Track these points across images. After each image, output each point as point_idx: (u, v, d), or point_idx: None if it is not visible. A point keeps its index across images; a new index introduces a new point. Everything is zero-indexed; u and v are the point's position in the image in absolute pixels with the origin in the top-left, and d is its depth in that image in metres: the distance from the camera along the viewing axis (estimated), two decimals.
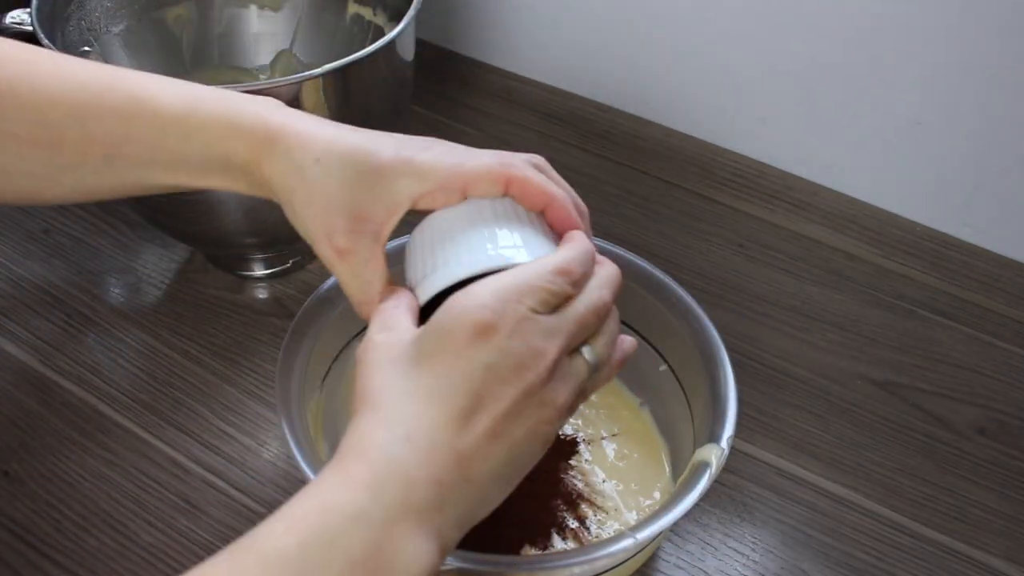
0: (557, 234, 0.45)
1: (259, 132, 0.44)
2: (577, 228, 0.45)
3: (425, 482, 0.36)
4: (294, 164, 0.43)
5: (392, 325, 0.41)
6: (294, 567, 0.34)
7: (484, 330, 0.38)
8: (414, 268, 0.45)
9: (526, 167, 0.44)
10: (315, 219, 0.44)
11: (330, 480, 0.37)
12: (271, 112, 0.45)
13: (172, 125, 0.44)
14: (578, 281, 0.41)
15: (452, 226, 0.44)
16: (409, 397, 0.38)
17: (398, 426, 0.37)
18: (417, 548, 0.36)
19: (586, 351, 0.41)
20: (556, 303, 0.40)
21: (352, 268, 0.44)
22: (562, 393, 0.40)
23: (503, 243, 0.43)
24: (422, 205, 0.44)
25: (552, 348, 0.39)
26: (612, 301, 0.43)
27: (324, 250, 0.44)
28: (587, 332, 0.41)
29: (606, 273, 0.43)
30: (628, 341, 0.45)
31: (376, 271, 0.44)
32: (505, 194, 0.44)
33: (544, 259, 0.41)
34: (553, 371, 0.39)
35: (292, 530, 0.35)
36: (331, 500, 0.36)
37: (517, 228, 0.43)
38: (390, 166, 0.43)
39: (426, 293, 0.43)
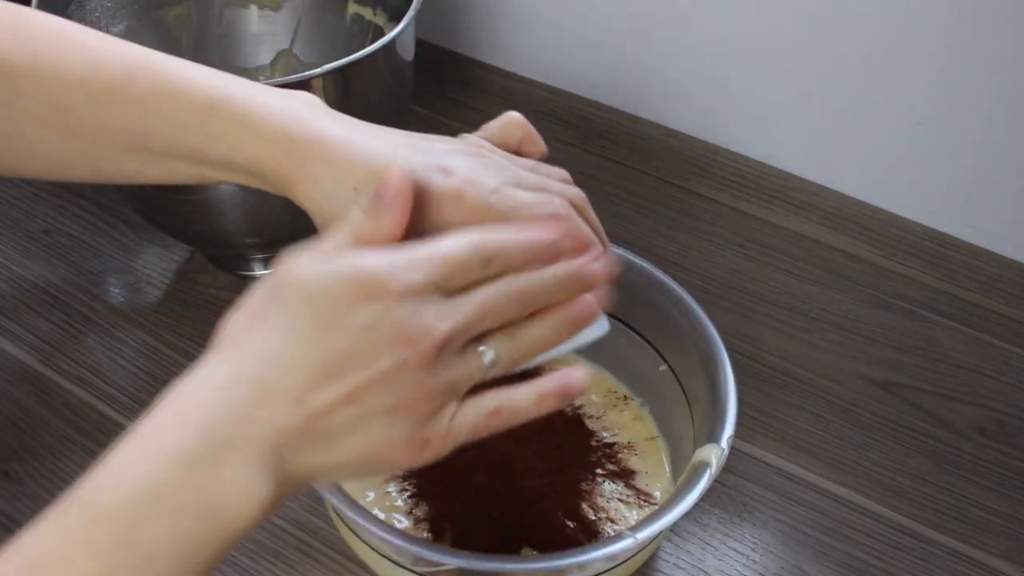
0: None
1: (284, 143, 0.42)
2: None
3: (262, 423, 0.35)
4: (330, 194, 0.42)
5: (328, 247, 0.38)
6: (124, 519, 0.33)
7: (372, 291, 0.36)
8: None
9: (574, 222, 0.43)
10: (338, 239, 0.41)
11: (162, 418, 0.35)
12: (297, 117, 0.43)
13: (196, 124, 0.43)
14: (495, 264, 0.38)
15: None
16: (282, 335, 0.36)
17: (255, 363, 0.36)
18: (249, 486, 0.35)
19: (484, 348, 0.38)
20: (461, 284, 0.37)
21: None
22: (439, 383, 0.37)
23: None
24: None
25: (440, 329, 0.36)
26: (547, 298, 0.39)
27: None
28: (488, 323, 0.38)
29: (555, 271, 0.39)
30: (574, 375, 0.41)
31: None
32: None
33: (461, 233, 0.38)
34: (436, 355, 0.36)
35: (120, 479, 0.34)
36: (160, 441, 0.35)
37: None
38: (437, 199, 0.41)
39: None
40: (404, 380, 0.36)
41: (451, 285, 0.37)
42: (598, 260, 0.41)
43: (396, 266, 0.36)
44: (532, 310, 0.40)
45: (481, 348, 0.38)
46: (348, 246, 0.38)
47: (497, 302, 0.38)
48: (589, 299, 0.41)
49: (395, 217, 0.38)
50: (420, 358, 0.36)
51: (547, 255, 0.39)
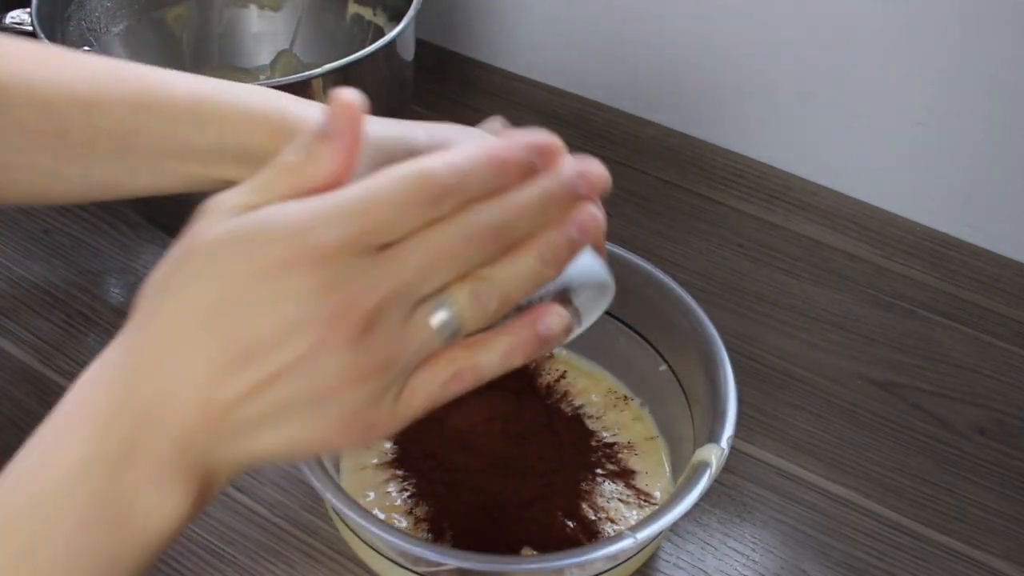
0: None
1: (278, 121, 0.43)
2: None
3: (164, 421, 0.31)
4: None
5: (244, 197, 0.32)
6: (23, 534, 0.30)
7: (283, 256, 0.30)
8: None
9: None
10: None
11: (59, 419, 0.32)
12: (290, 103, 0.44)
13: (185, 114, 0.43)
14: (447, 201, 0.31)
15: None
16: (185, 312, 0.31)
17: (155, 349, 0.31)
18: (159, 493, 0.31)
19: (440, 310, 0.31)
20: (404, 232, 0.30)
21: None
22: (372, 362, 0.31)
23: None
24: None
25: (367, 297, 0.30)
26: (524, 229, 0.32)
27: None
28: (443, 277, 0.31)
29: (532, 191, 0.32)
30: (550, 310, 0.34)
31: None
32: None
33: (400, 166, 0.31)
34: (364, 330, 0.30)
35: (17, 490, 0.31)
36: (57, 447, 0.31)
37: None
38: (426, 150, 0.40)
39: None
40: (325, 363, 0.30)
41: (390, 235, 0.30)
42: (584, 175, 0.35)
43: (313, 220, 0.30)
44: (504, 248, 0.32)
45: (435, 308, 0.31)
46: (270, 195, 0.32)
47: (451, 248, 0.31)
48: (589, 211, 0.34)
49: (337, 154, 0.32)
50: (342, 337, 0.30)
51: (517, 173, 0.32)
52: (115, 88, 0.44)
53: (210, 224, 0.32)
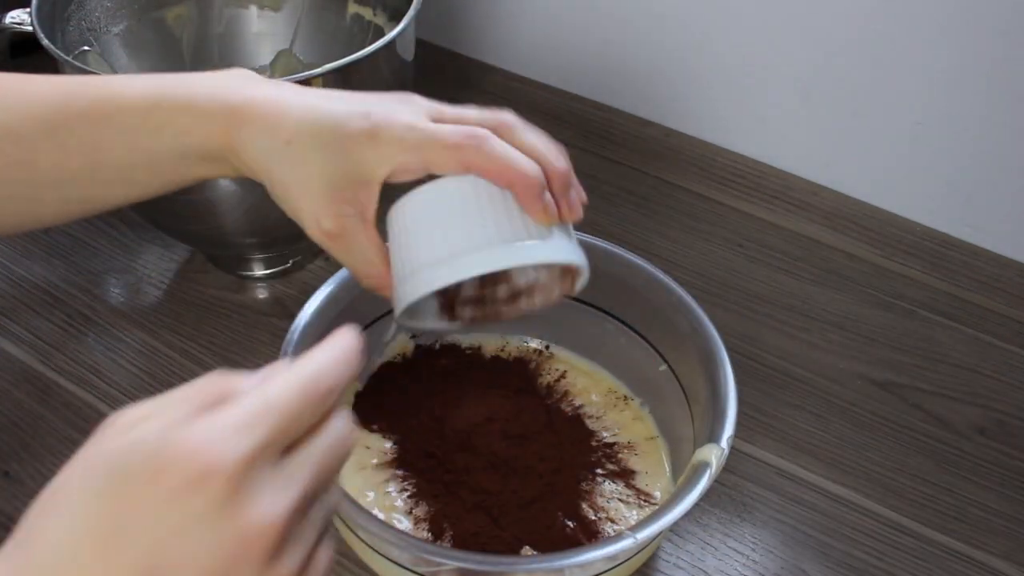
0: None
1: (225, 115, 0.43)
2: (541, 218, 0.41)
3: None
4: (266, 149, 0.42)
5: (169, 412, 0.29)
6: None
7: (193, 481, 0.27)
8: (394, 262, 0.44)
9: (490, 143, 0.41)
10: (297, 202, 0.43)
11: None
12: (235, 89, 0.43)
13: (141, 122, 0.43)
14: (329, 400, 0.31)
15: (421, 216, 0.42)
16: (69, 534, 0.28)
17: None
18: None
19: (317, 508, 0.31)
20: (293, 437, 0.30)
21: (346, 248, 0.44)
22: (287, 567, 0.29)
23: (475, 241, 0.41)
24: (395, 179, 0.43)
25: (281, 509, 0.28)
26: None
27: (314, 234, 0.44)
28: (328, 477, 0.31)
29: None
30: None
31: (371, 247, 0.44)
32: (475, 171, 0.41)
33: (288, 371, 0.31)
34: (283, 541, 0.28)
35: None
36: None
37: (486, 221, 0.41)
38: (356, 141, 0.41)
39: (402, 304, 0.43)
40: None
41: (288, 440, 0.30)
42: None
43: (220, 435, 0.28)
44: None
45: (314, 509, 0.30)
46: (175, 412, 0.29)
47: (330, 453, 0.31)
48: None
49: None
50: (263, 553, 0.28)
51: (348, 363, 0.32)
52: (74, 105, 0.44)
53: (114, 430, 0.30)
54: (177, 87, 0.44)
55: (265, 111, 0.42)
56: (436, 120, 0.42)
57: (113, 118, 0.44)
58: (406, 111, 0.42)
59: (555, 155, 0.42)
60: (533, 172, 0.41)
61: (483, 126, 0.42)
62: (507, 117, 0.43)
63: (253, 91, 0.43)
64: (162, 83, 0.44)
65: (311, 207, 0.43)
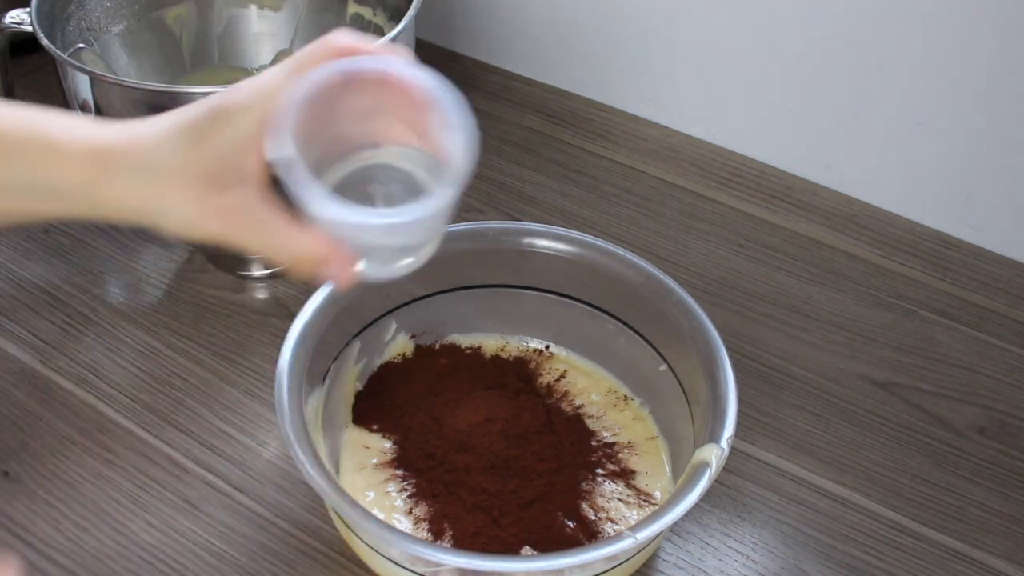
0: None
1: (82, 153, 0.41)
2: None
3: None
4: (133, 172, 0.41)
5: None
6: None
7: None
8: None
9: (346, 36, 0.41)
10: (182, 203, 0.41)
11: None
12: (90, 129, 0.42)
13: (17, 157, 0.41)
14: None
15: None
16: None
17: None
18: None
19: None
20: None
21: (256, 229, 0.41)
22: None
23: None
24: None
25: None
26: None
27: (210, 225, 0.41)
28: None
29: None
30: None
31: (283, 222, 0.41)
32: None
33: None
34: None
35: None
36: None
37: None
38: (227, 103, 0.40)
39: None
40: None
41: None
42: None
43: None
44: None
45: None
46: None
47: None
48: None
49: None
50: None
51: None
52: None
53: None
54: (34, 120, 0.42)
55: (126, 139, 0.41)
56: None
57: None
58: (268, 69, 0.42)
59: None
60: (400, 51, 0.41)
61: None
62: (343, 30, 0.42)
63: (109, 129, 0.42)
64: (19, 114, 0.42)
65: (196, 194, 0.40)
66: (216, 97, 0.41)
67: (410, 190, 0.43)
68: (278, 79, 0.40)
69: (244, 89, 0.41)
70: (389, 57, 0.40)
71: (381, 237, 0.42)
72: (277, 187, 0.41)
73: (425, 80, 0.40)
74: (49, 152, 0.41)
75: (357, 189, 0.43)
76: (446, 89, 0.40)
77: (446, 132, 0.41)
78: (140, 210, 0.42)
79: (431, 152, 0.42)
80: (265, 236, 0.41)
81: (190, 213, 0.41)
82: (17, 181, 0.42)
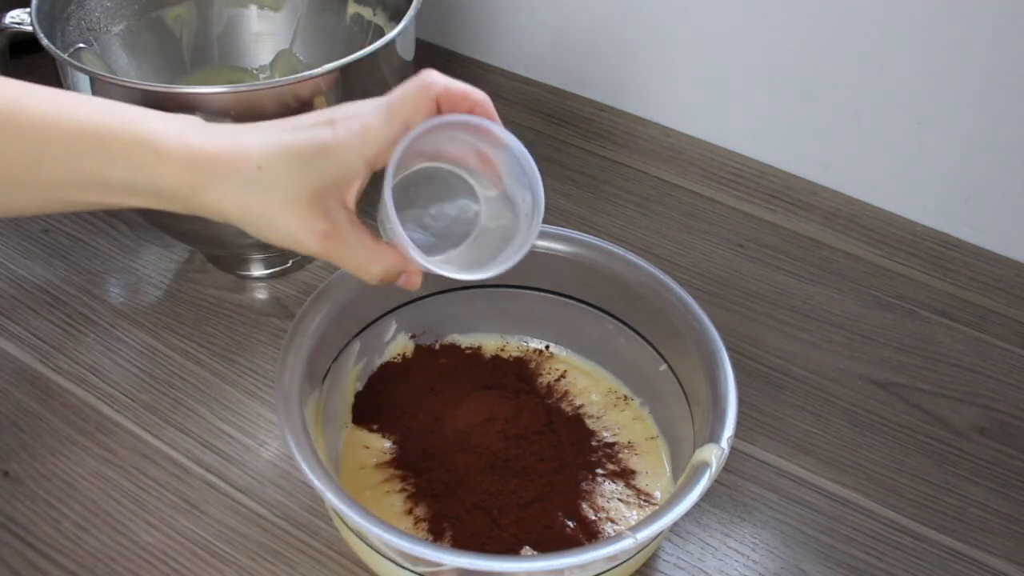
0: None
1: (186, 160, 0.43)
2: (496, 120, 0.46)
3: None
4: (238, 183, 0.44)
5: None
6: None
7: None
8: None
9: (441, 83, 0.45)
10: (285, 219, 0.44)
11: None
12: (193, 135, 0.44)
13: (91, 149, 0.43)
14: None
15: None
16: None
17: None
18: None
19: None
20: None
21: (342, 244, 0.45)
22: None
23: None
24: (377, 166, 0.45)
25: None
26: None
27: (309, 241, 0.45)
28: None
29: None
30: None
31: (364, 237, 0.46)
32: (438, 111, 0.45)
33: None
34: None
35: None
36: None
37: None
38: (334, 142, 0.44)
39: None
40: None
41: None
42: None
43: None
44: None
45: None
46: None
47: None
48: None
49: None
50: None
51: None
52: (21, 116, 0.43)
53: None
54: (135, 121, 0.44)
55: (228, 150, 0.44)
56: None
57: (61, 139, 0.43)
58: (362, 105, 0.45)
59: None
60: (483, 94, 0.46)
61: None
62: (432, 71, 0.47)
63: (210, 137, 0.44)
64: (119, 113, 0.44)
65: (300, 217, 0.44)
66: (322, 131, 0.44)
67: (464, 190, 0.49)
68: (379, 126, 0.44)
69: (346, 130, 0.44)
70: (482, 120, 0.46)
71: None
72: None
73: (509, 136, 0.46)
74: (156, 156, 0.43)
75: (420, 185, 0.48)
76: (524, 150, 0.46)
77: (513, 180, 0.47)
78: (240, 219, 0.45)
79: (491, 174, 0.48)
80: (355, 255, 0.46)
81: (295, 231, 0.45)
82: (120, 180, 0.44)
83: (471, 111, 0.45)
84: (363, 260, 0.46)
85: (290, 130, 0.44)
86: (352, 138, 0.44)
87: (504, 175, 0.48)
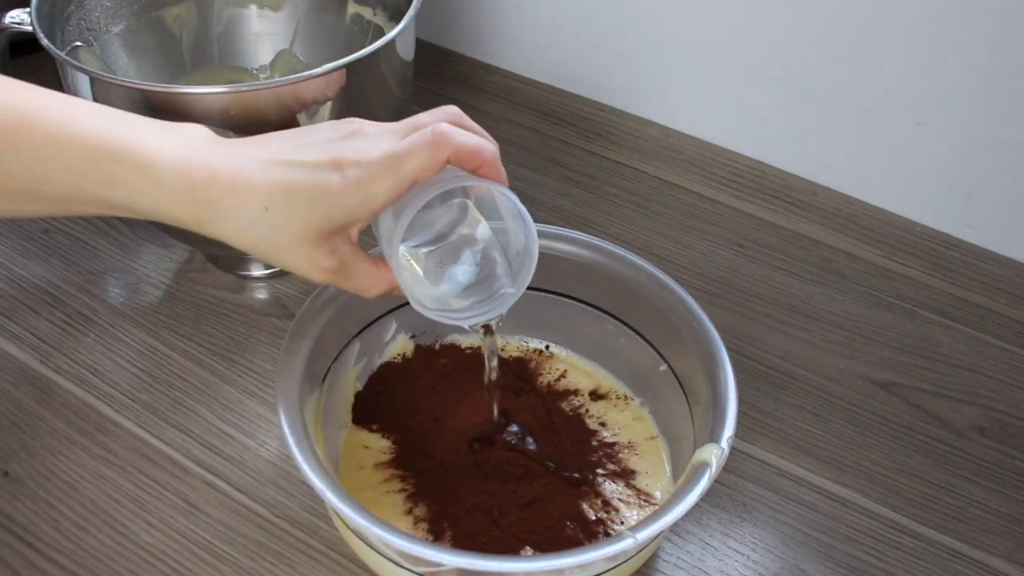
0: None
1: (188, 192, 0.44)
2: (503, 178, 0.46)
3: None
4: (243, 219, 0.44)
5: None
6: None
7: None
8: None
9: (453, 137, 0.45)
10: (290, 256, 0.45)
11: None
12: (197, 164, 0.44)
13: (93, 171, 0.44)
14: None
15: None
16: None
17: None
18: None
19: None
20: None
21: (346, 275, 0.47)
22: None
23: None
24: (381, 211, 0.46)
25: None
26: None
27: (315, 276, 0.46)
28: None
29: None
30: None
31: (368, 265, 0.47)
32: (448, 162, 0.45)
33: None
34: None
35: None
36: None
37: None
38: (341, 190, 0.44)
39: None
40: None
41: None
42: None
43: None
44: None
45: None
46: None
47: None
48: None
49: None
50: None
51: None
52: (24, 132, 0.43)
53: None
54: (136, 144, 0.44)
55: (231, 185, 0.44)
56: (397, 136, 0.45)
57: (64, 158, 0.43)
58: (371, 146, 0.45)
59: (487, 136, 0.48)
60: (494, 148, 0.46)
61: (435, 120, 0.46)
62: (453, 110, 0.47)
63: (210, 161, 0.44)
64: (124, 132, 0.44)
65: (306, 255, 0.45)
66: (330, 177, 0.44)
67: (462, 206, 0.50)
68: (387, 180, 0.44)
69: (354, 179, 0.44)
70: (486, 182, 0.46)
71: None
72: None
73: (511, 198, 0.47)
74: (155, 185, 0.44)
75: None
76: (524, 210, 0.47)
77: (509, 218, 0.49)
78: (246, 250, 0.46)
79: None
80: (358, 280, 0.48)
81: (301, 266, 0.46)
82: (122, 202, 0.45)
83: (478, 168, 0.46)
84: (364, 284, 0.48)
85: (297, 166, 0.44)
86: (359, 190, 0.44)
87: (504, 215, 0.49)
